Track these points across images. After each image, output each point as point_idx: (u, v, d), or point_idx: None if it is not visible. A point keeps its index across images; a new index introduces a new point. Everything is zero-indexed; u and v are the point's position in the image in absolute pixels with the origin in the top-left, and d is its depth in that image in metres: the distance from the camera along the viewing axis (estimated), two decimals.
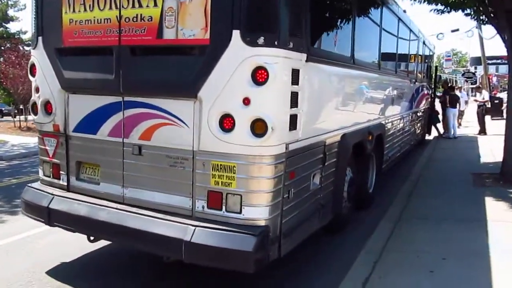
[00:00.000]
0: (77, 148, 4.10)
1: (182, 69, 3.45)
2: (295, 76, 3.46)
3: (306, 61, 3.61)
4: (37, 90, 4.24)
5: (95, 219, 3.73)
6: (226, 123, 3.31)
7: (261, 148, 3.28)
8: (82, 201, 3.92)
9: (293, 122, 3.51)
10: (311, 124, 4.01)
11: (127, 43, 3.61)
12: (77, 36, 3.87)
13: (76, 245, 4.68)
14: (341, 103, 4.92)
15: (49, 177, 4.31)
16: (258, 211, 3.35)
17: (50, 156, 4.27)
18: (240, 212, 3.36)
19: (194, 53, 3.48)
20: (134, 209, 3.68)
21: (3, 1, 29.07)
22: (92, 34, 3.77)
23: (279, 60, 3.23)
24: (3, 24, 29.54)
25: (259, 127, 3.23)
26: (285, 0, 3.25)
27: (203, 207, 3.48)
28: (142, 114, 3.66)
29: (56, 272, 4.28)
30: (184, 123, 3.48)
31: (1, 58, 22.53)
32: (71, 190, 4.16)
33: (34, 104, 4.28)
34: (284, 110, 3.39)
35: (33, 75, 4.27)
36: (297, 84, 3.51)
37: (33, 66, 4.26)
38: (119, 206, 3.78)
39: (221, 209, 3.42)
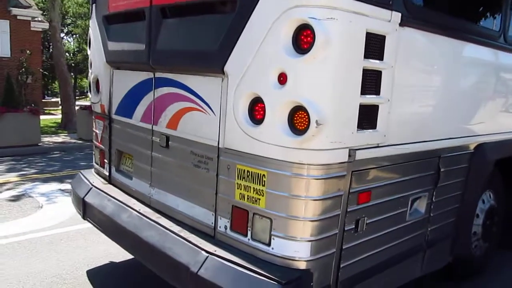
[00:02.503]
0: (117, 133, 3.48)
1: (209, 34, 2.50)
2: (375, 44, 2.19)
3: (401, 24, 2.31)
4: (90, 65, 3.75)
5: (115, 221, 3.04)
6: (257, 110, 2.24)
7: (302, 152, 2.12)
8: (113, 197, 3.28)
9: (367, 116, 2.26)
10: (412, 123, 2.67)
11: (158, 2, 2.80)
12: (119, 0, 3.22)
13: None
14: (476, 97, 3.34)
15: (98, 164, 3.82)
16: (293, 246, 2.21)
17: (99, 141, 3.76)
18: (268, 244, 2.27)
19: (225, 11, 2.47)
20: (155, 216, 2.89)
21: None
22: None
23: (337, 15, 2.00)
24: None
25: (299, 119, 2.10)
26: None
27: (225, 227, 2.49)
28: (170, 95, 2.82)
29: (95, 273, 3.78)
30: (210, 108, 2.52)
31: None
32: (111, 182, 3.58)
33: (90, 82, 3.81)
34: (347, 97, 2.15)
35: (90, 48, 3.80)
36: (381, 58, 2.24)
37: (90, 39, 3.79)
38: (142, 209, 3.03)
39: (246, 235, 2.38)
